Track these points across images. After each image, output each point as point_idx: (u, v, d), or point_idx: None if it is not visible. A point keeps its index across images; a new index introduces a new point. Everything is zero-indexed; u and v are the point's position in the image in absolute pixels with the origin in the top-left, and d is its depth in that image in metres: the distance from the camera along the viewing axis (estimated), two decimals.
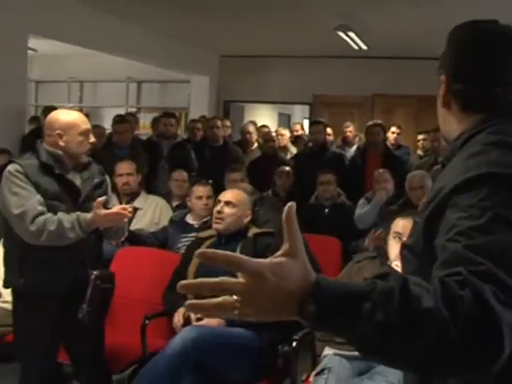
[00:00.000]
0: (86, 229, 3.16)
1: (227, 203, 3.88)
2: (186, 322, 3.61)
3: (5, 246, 3.37)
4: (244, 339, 3.46)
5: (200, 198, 4.81)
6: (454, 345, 1.04)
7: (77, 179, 3.34)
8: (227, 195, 3.96)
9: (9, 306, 3.61)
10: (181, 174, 5.82)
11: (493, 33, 1.46)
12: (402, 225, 3.29)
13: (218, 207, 3.89)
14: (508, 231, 1.17)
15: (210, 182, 5.07)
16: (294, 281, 1.06)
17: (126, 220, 3.29)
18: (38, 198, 3.16)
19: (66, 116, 3.36)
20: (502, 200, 1.20)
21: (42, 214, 3.13)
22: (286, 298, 1.06)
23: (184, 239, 4.66)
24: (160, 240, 4.80)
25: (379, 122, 7.30)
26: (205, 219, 4.74)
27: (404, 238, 3.15)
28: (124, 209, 3.25)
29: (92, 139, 3.36)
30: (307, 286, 1.06)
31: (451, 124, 1.50)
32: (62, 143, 3.28)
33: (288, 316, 1.08)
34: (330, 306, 1.06)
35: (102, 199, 3.17)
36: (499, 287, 1.08)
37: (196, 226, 4.78)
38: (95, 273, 3.24)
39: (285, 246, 1.09)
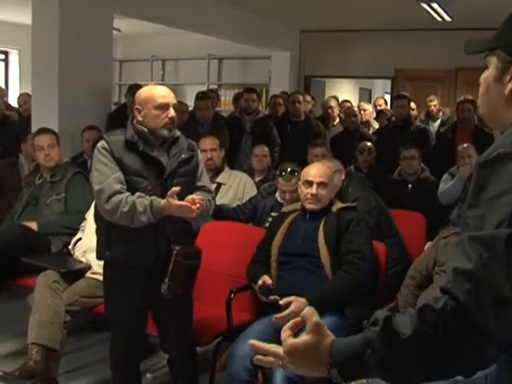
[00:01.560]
0: (157, 215, 3.16)
1: (320, 184, 3.79)
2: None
3: (96, 220, 3.46)
4: (330, 326, 3.42)
5: (284, 192, 4.64)
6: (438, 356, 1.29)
7: (163, 156, 3.34)
8: (318, 176, 3.82)
9: (99, 277, 3.73)
10: (262, 149, 5.82)
11: None
12: None
13: (312, 190, 3.76)
14: None
15: (296, 173, 4.70)
16: (322, 351, 1.43)
17: (194, 214, 3.20)
18: (118, 175, 3.20)
19: (145, 91, 3.37)
20: None
21: (119, 192, 3.16)
22: (318, 364, 1.43)
23: (270, 218, 4.64)
24: (247, 214, 4.79)
25: (470, 97, 7.15)
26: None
27: None
28: (193, 202, 3.19)
29: (171, 113, 3.30)
30: (327, 354, 1.42)
31: None
32: (140, 118, 3.30)
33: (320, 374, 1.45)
34: (343, 366, 1.39)
35: (176, 189, 3.12)
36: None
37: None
38: (177, 248, 3.24)
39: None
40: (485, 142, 6.28)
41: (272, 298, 3.59)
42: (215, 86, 11.44)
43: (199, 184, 3.49)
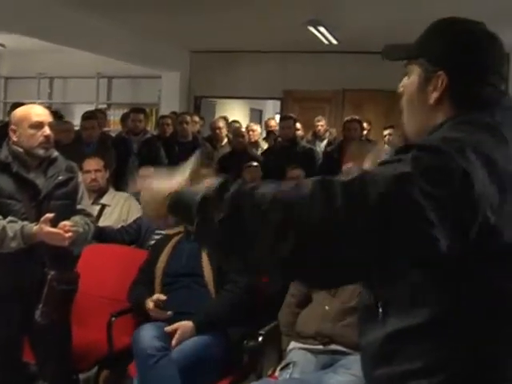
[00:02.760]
0: (28, 241, 3.08)
1: None
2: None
3: None
4: (213, 347, 3.47)
5: None
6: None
7: (40, 177, 3.27)
8: None
9: None
10: (147, 171, 5.77)
11: (487, 32, 1.49)
12: None
13: None
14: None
15: None
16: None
17: (66, 242, 3.14)
18: None
19: (20, 110, 3.31)
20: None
21: None
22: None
23: (158, 236, 4.63)
24: (131, 234, 4.75)
25: (357, 117, 7.35)
26: None
27: None
28: (66, 229, 3.12)
29: (47, 132, 3.23)
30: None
31: (437, 120, 1.47)
32: (15, 138, 3.23)
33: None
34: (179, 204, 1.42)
35: (49, 215, 3.06)
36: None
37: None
38: (52, 273, 3.17)
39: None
40: None
41: (169, 313, 3.62)
42: (104, 106, 11.31)
43: (79, 207, 3.42)
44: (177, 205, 1.43)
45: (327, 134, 9.04)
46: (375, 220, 1.19)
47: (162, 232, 4.52)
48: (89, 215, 3.49)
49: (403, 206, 1.19)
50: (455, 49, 1.46)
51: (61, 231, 3.10)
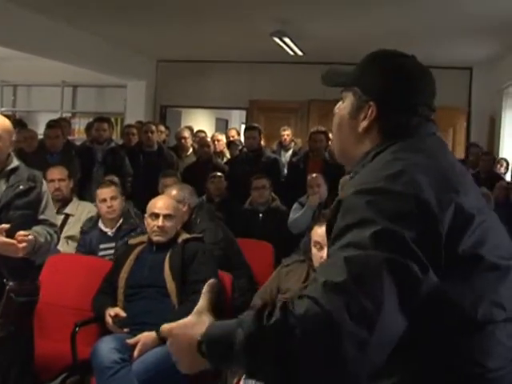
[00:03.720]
0: None
1: (166, 216, 3.86)
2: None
3: None
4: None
5: (104, 200, 4.71)
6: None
7: (1, 186, 3.24)
8: (164, 208, 3.89)
9: None
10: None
11: (418, 66, 1.57)
12: (319, 233, 3.36)
13: (159, 222, 3.82)
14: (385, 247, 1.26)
15: (116, 181, 4.97)
16: (197, 330, 1.36)
17: (20, 254, 3.11)
18: None
19: None
20: (381, 210, 1.29)
21: None
22: (191, 344, 1.35)
23: (103, 251, 4.63)
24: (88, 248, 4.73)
25: (323, 129, 7.39)
26: (118, 225, 4.73)
27: (324, 246, 3.22)
28: (19, 240, 3.08)
29: None
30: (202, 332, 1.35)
31: (363, 146, 1.53)
32: None
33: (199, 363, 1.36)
34: (212, 342, 1.32)
35: (4, 226, 3.04)
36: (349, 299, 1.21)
37: (111, 234, 4.73)
38: (10, 284, 3.13)
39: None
40: (335, 171, 6.59)
41: (126, 330, 3.64)
42: (69, 114, 11.22)
43: (41, 217, 3.39)
44: (213, 349, 1.33)
45: (292, 144, 9.07)
46: None
47: (107, 245, 4.55)
48: (52, 225, 3.46)
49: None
50: (386, 81, 1.53)
51: (14, 241, 3.06)
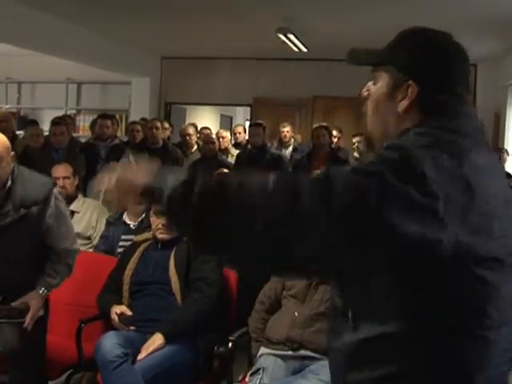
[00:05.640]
0: None
1: None
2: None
3: None
4: (179, 356, 3.48)
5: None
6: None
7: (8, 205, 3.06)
8: None
9: None
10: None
11: (455, 43, 1.52)
12: None
13: (163, 220, 3.75)
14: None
15: None
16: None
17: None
18: None
19: None
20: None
21: None
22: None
23: (123, 242, 4.64)
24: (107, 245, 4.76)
25: (325, 124, 7.42)
26: (140, 218, 4.76)
27: None
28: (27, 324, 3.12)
29: None
30: None
31: (403, 126, 1.49)
32: None
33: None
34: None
35: None
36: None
37: (132, 227, 4.77)
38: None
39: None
40: (339, 164, 6.60)
41: (132, 328, 3.63)
42: (74, 111, 11.23)
43: (61, 246, 3.33)
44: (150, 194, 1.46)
45: (292, 141, 9.02)
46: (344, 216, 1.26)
47: (127, 237, 4.55)
48: (69, 253, 3.42)
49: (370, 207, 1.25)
50: (424, 59, 1.48)
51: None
